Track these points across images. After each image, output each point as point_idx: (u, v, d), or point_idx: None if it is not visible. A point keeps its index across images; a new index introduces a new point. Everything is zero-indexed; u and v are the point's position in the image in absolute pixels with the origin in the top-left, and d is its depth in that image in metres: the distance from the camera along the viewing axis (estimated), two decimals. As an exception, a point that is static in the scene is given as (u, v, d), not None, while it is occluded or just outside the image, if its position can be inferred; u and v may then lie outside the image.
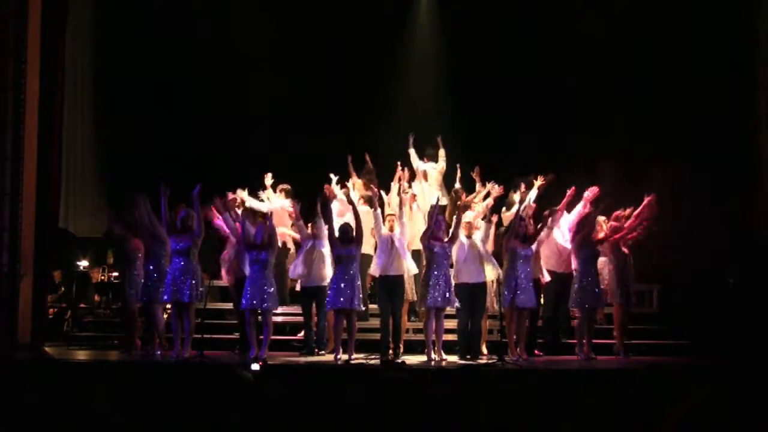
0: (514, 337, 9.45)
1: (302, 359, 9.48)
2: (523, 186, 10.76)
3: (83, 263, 12.46)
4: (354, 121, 13.14)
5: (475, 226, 9.86)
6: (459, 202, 10.59)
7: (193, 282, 9.28)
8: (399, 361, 9.09)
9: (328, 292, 9.32)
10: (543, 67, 12.90)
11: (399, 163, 10.80)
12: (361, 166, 11.37)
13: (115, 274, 12.19)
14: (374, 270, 9.55)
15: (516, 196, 10.65)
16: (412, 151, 11.57)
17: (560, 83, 12.69)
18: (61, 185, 11.08)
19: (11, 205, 9.45)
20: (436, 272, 9.20)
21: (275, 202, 10.98)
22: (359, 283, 9.28)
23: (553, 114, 12.62)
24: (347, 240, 9.29)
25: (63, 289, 12.18)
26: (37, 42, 9.85)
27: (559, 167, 11.62)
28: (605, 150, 11.90)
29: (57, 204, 10.70)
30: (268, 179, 11.02)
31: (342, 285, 9.14)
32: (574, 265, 9.74)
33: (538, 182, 10.33)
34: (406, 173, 10.82)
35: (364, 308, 9.58)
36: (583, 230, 9.64)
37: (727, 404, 3.01)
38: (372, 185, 10.80)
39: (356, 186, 11.35)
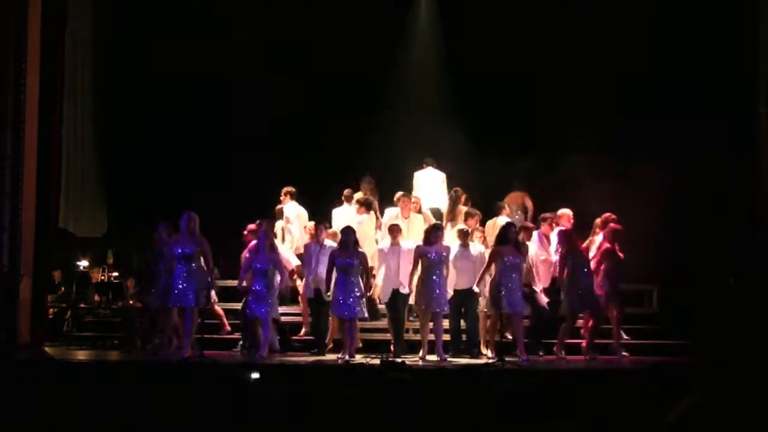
0: (487, 337, 9.70)
1: (303, 359, 9.48)
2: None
3: (83, 263, 12.46)
4: (354, 120, 13.13)
5: (477, 229, 10.00)
6: (459, 204, 10.63)
7: (198, 287, 9.29)
8: (399, 361, 9.10)
9: (332, 300, 9.36)
10: (543, 67, 12.89)
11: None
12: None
13: (115, 274, 12.21)
14: (385, 295, 9.67)
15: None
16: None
17: (560, 83, 12.69)
18: (61, 185, 11.07)
19: (11, 205, 9.45)
20: (432, 277, 9.25)
21: (288, 210, 11.04)
22: (360, 290, 9.29)
23: (554, 114, 12.62)
24: (348, 248, 9.31)
25: (63, 289, 12.18)
26: (37, 42, 9.85)
27: (558, 167, 11.66)
28: (606, 150, 11.88)
29: (57, 204, 10.69)
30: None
31: (344, 295, 9.18)
32: (563, 274, 9.72)
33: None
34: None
35: (367, 315, 9.61)
36: (566, 244, 9.66)
37: (726, 405, 3.01)
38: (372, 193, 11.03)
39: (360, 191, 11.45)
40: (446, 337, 9.82)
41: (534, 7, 13.01)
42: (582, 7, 12.84)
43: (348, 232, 9.44)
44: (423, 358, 9.27)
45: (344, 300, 9.16)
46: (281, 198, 11.23)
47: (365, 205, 10.85)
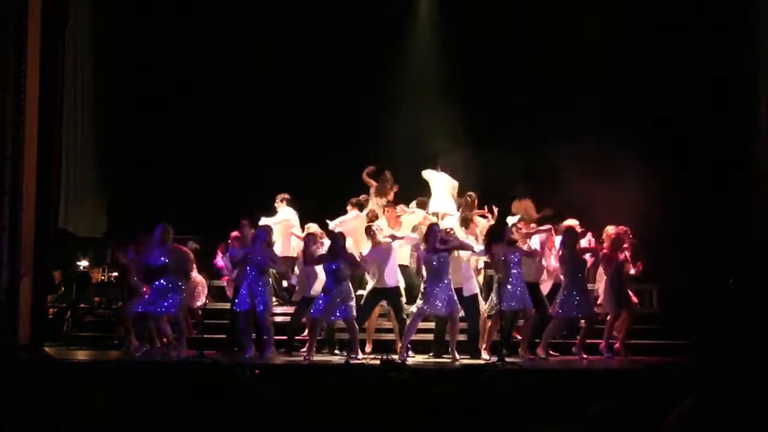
0: (490, 338, 9.62)
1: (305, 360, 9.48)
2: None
3: (83, 263, 12.45)
4: (354, 122, 13.13)
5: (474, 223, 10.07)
6: (471, 210, 10.63)
7: (172, 297, 9.32)
8: (399, 360, 9.09)
9: (319, 302, 9.31)
10: (543, 67, 12.90)
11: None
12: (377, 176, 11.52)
13: (115, 274, 12.19)
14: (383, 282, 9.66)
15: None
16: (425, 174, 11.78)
17: (560, 83, 12.69)
18: (61, 185, 11.08)
19: (11, 205, 9.44)
20: (434, 282, 9.22)
21: (280, 213, 11.09)
22: (349, 291, 9.29)
23: (554, 113, 12.62)
24: (336, 252, 9.31)
25: (63, 289, 12.16)
26: (37, 42, 9.84)
27: (558, 166, 11.65)
28: (606, 151, 11.88)
29: (57, 204, 10.69)
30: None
31: (331, 297, 9.18)
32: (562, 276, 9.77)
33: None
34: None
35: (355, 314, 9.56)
36: (569, 243, 9.67)
37: (725, 404, 3.01)
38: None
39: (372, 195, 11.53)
40: (431, 336, 9.87)
41: (535, 6, 13.05)
42: (583, 6, 12.86)
43: (335, 239, 9.50)
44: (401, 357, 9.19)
45: (334, 300, 9.15)
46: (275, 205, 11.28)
47: (357, 206, 10.97)
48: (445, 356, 9.54)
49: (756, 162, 11.03)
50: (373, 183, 11.51)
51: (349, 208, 11.05)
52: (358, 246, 10.36)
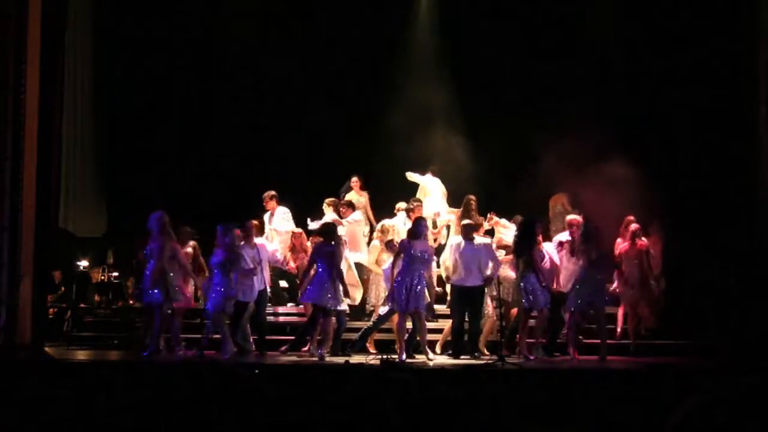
0: (490, 337, 9.73)
1: (303, 359, 9.48)
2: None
3: (83, 263, 12.46)
4: (354, 123, 13.14)
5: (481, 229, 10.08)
6: (471, 211, 10.62)
7: (166, 284, 9.28)
8: (399, 360, 9.09)
9: (308, 287, 9.31)
10: (544, 66, 12.89)
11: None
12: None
13: (116, 274, 12.21)
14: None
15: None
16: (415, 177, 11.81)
17: (560, 82, 12.69)
18: (61, 185, 11.07)
19: (11, 205, 9.44)
20: (415, 274, 9.16)
21: (283, 215, 11.14)
22: (338, 283, 9.28)
23: (555, 113, 12.60)
24: (329, 239, 9.31)
25: (63, 289, 12.17)
26: (37, 42, 9.83)
27: (558, 166, 11.65)
28: (607, 151, 11.87)
29: (57, 204, 10.68)
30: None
31: (326, 285, 9.16)
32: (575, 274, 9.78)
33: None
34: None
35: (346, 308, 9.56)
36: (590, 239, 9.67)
37: (726, 405, 3.01)
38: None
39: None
40: (432, 336, 9.85)
41: (534, 5, 13.05)
42: (583, 4, 12.86)
43: (329, 226, 9.59)
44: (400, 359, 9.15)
45: (328, 288, 9.16)
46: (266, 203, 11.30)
47: (351, 206, 11.00)
48: (445, 355, 9.54)
49: (756, 161, 11.02)
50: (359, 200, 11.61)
51: (342, 210, 11.04)
52: (356, 247, 10.44)
